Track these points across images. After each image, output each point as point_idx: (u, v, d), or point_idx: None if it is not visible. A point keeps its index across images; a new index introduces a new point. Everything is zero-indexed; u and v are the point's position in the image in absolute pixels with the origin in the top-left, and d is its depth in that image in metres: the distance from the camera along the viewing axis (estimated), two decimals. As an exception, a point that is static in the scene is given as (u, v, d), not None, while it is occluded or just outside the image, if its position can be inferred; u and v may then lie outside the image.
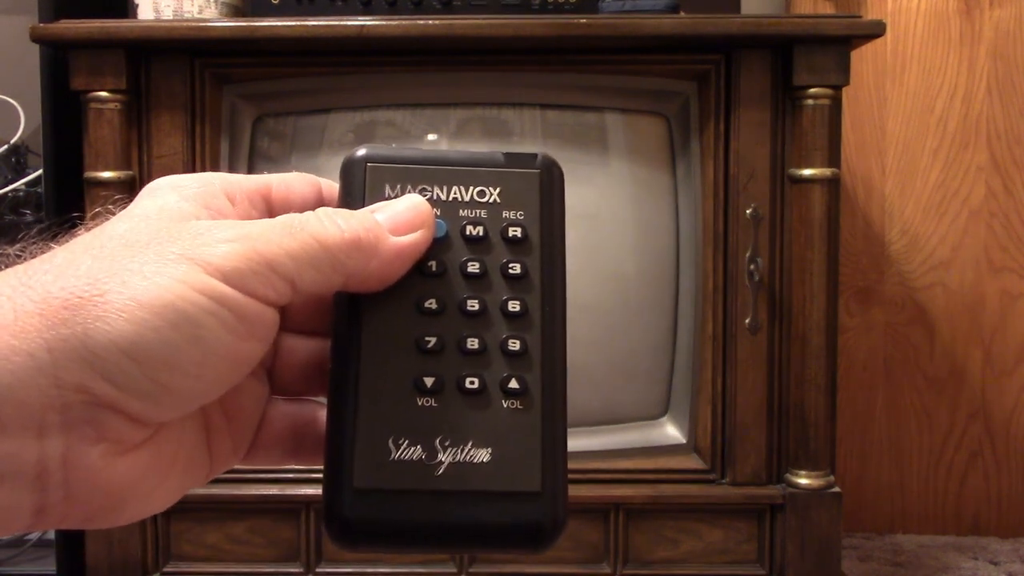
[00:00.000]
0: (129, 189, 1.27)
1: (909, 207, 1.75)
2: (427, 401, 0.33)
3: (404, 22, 1.23)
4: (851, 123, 1.73)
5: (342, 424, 0.33)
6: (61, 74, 1.29)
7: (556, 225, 0.36)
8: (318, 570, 1.32)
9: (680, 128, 1.34)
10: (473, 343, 0.34)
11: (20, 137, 1.51)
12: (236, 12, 1.38)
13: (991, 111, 1.73)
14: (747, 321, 1.29)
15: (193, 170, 1.28)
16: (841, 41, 1.24)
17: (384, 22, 1.23)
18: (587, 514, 1.31)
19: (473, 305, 0.34)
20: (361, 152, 0.36)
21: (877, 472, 1.78)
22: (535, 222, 0.35)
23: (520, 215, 0.35)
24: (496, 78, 1.33)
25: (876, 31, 1.23)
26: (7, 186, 1.49)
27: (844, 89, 1.27)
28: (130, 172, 1.27)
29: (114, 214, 0.33)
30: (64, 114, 1.36)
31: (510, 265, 0.35)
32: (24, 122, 1.50)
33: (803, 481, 1.29)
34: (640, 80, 1.33)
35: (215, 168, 1.30)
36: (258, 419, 0.37)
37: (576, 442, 1.41)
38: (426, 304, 0.34)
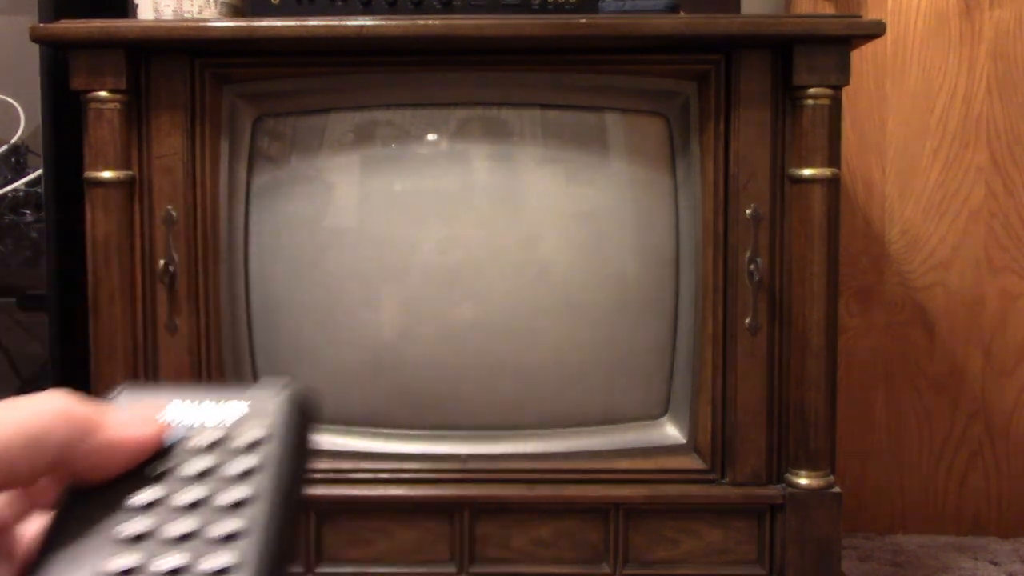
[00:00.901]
0: (129, 189, 1.27)
1: (909, 207, 1.75)
2: None
3: (404, 22, 1.23)
4: (851, 123, 1.73)
5: None
6: (61, 74, 1.29)
7: (296, 445, 0.35)
8: (318, 570, 1.32)
9: (680, 128, 1.34)
10: (178, 530, 0.33)
11: (20, 137, 1.51)
12: (236, 12, 1.38)
13: (991, 111, 1.73)
14: (747, 321, 1.29)
15: (193, 170, 1.28)
16: (841, 41, 1.24)
17: (384, 22, 1.23)
18: (587, 514, 1.31)
19: (188, 501, 0.33)
20: (119, 389, 0.36)
21: (877, 472, 1.78)
22: (274, 439, 0.35)
23: (258, 430, 0.35)
24: (496, 78, 1.32)
25: (876, 31, 1.23)
26: (7, 186, 1.49)
27: (844, 89, 1.27)
28: (130, 172, 1.27)
29: None
30: (64, 114, 1.36)
31: (237, 472, 0.34)
32: (24, 122, 1.50)
33: (803, 481, 1.29)
34: (640, 80, 1.33)
35: (215, 168, 1.30)
36: None
37: (576, 442, 1.42)
38: (138, 498, 0.33)
